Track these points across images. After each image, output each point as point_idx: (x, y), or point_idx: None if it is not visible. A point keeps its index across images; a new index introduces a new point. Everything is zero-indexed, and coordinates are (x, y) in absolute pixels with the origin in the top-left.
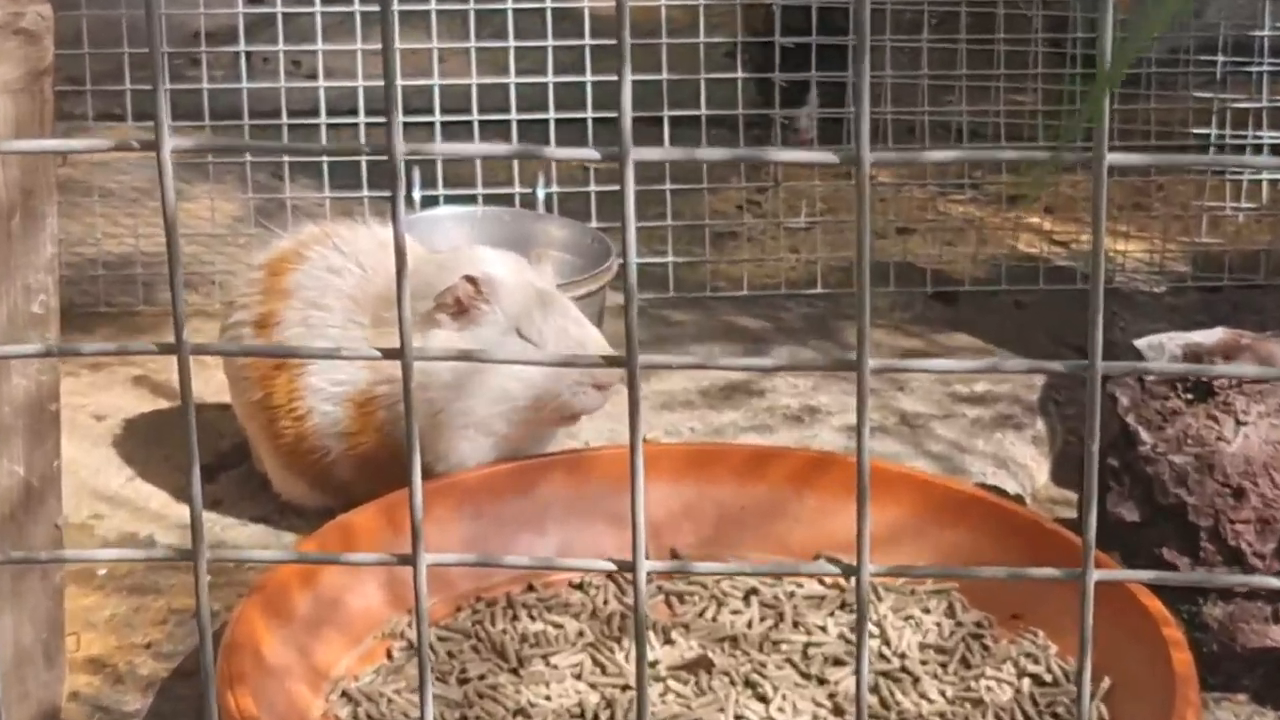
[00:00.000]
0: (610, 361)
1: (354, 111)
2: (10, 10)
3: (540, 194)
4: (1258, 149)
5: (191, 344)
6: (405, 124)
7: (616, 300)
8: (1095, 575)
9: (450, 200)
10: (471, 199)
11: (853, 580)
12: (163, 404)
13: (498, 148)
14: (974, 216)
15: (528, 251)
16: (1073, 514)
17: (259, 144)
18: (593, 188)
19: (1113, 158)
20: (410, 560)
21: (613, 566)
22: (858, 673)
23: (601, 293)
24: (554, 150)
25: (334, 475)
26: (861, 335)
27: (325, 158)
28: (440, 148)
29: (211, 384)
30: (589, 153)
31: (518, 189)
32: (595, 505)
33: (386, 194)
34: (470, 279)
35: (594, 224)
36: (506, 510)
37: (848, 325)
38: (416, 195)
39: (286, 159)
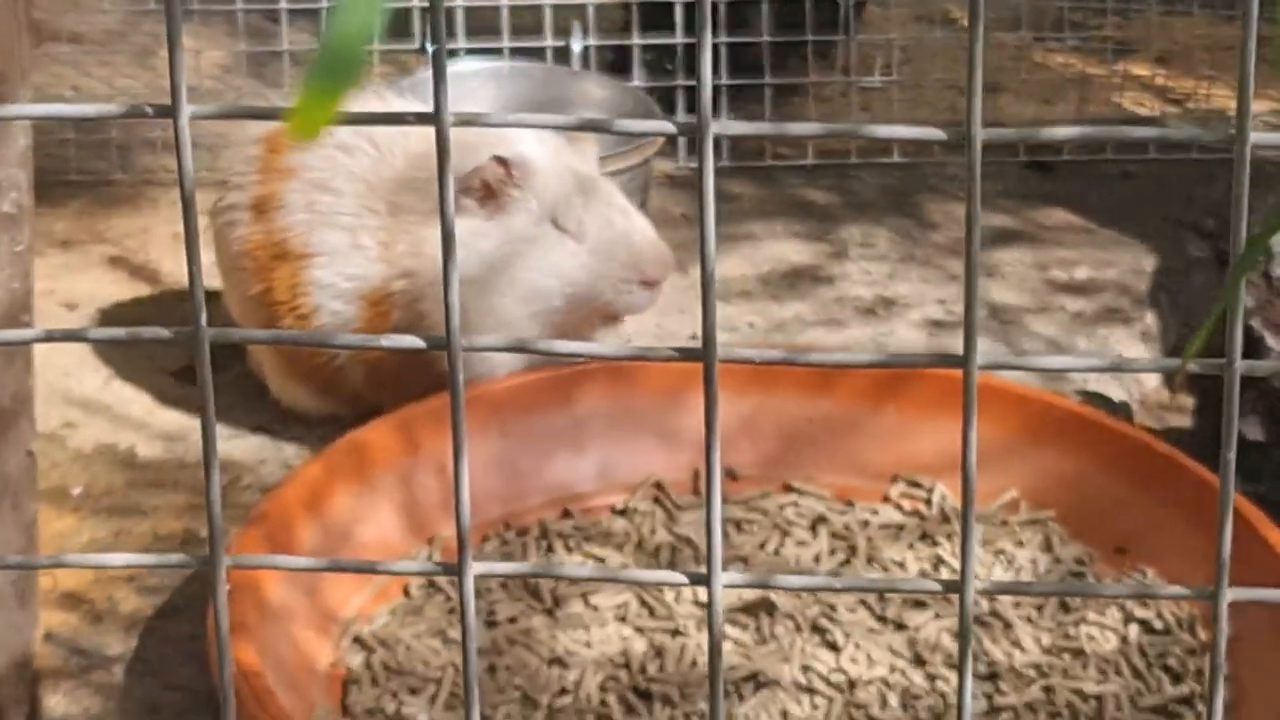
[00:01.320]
0: (685, 354)
1: None
2: None
3: (576, 46)
4: None
5: (212, 330)
6: None
7: (663, 169)
8: (1230, 595)
9: (472, 53)
10: (497, 52)
11: (933, 507)
12: (143, 290)
13: (562, 118)
14: (1075, 70)
15: (562, 113)
16: (1187, 423)
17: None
18: (636, 40)
19: (1258, 137)
20: (456, 570)
21: (685, 580)
22: (960, 703)
23: (646, 166)
24: (629, 123)
25: (342, 382)
26: (970, 331)
27: None
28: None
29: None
30: (663, 125)
31: (550, 40)
32: (641, 419)
33: (402, 46)
34: (500, 160)
35: (636, 82)
36: (540, 425)
37: (929, 198)
38: (430, 47)
39: (284, 5)
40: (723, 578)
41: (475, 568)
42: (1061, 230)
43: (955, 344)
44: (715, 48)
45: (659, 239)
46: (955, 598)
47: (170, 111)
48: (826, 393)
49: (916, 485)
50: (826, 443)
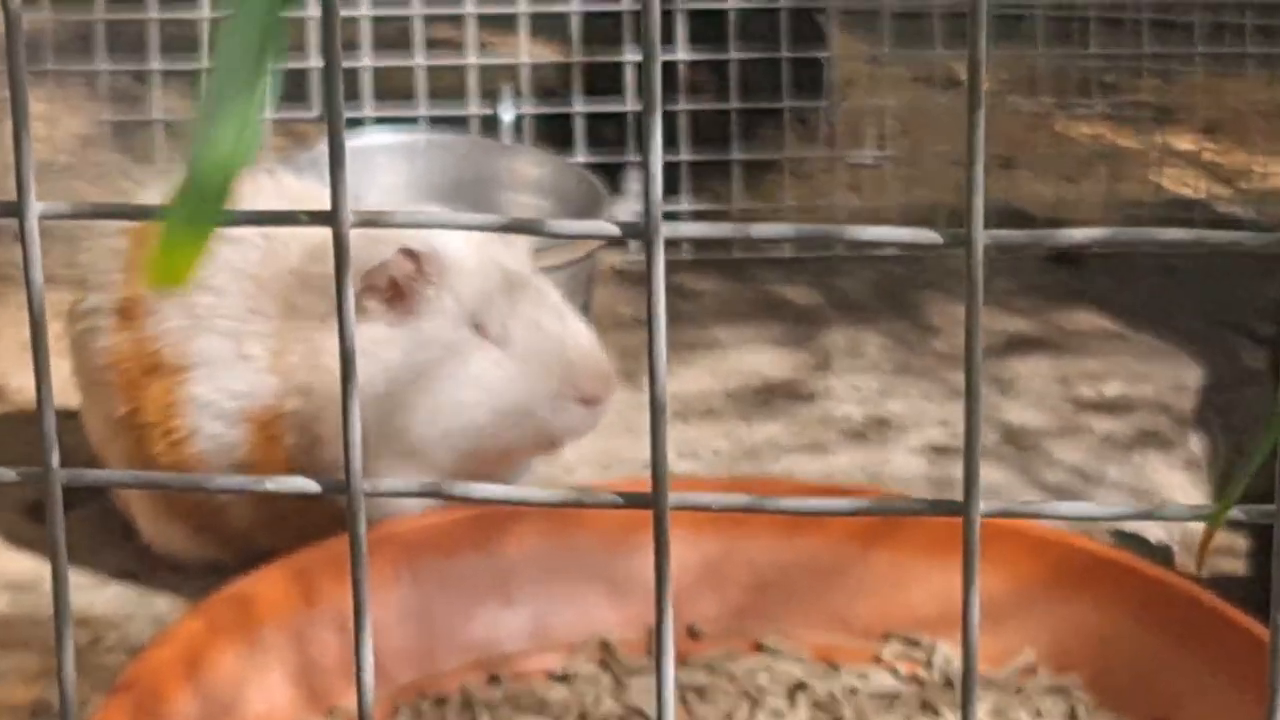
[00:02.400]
0: (630, 500)
1: None
2: None
3: (507, 116)
4: None
5: (65, 471)
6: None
7: (610, 263)
8: None
9: (382, 122)
10: (412, 121)
11: (934, 670)
12: None
13: (481, 218)
14: (1106, 141)
15: (491, 199)
16: (1241, 569)
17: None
18: (579, 108)
19: None
20: None
21: None
22: None
23: (590, 260)
24: (563, 224)
25: (225, 521)
26: (971, 479)
27: None
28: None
29: (54, 378)
30: (606, 227)
31: (476, 108)
32: (583, 565)
33: (299, 114)
34: (410, 253)
35: (580, 158)
36: (461, 571)
37: (928, 297)
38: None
39: (156, 65)
40: None
41: None
42: (1089, 336)
43: (961, 474)
44: (674, 116)
45: (598, 348)
46: None
47: (15, 210)
48: (805, 533)
49: (914, 644)
50: (805, 593)
